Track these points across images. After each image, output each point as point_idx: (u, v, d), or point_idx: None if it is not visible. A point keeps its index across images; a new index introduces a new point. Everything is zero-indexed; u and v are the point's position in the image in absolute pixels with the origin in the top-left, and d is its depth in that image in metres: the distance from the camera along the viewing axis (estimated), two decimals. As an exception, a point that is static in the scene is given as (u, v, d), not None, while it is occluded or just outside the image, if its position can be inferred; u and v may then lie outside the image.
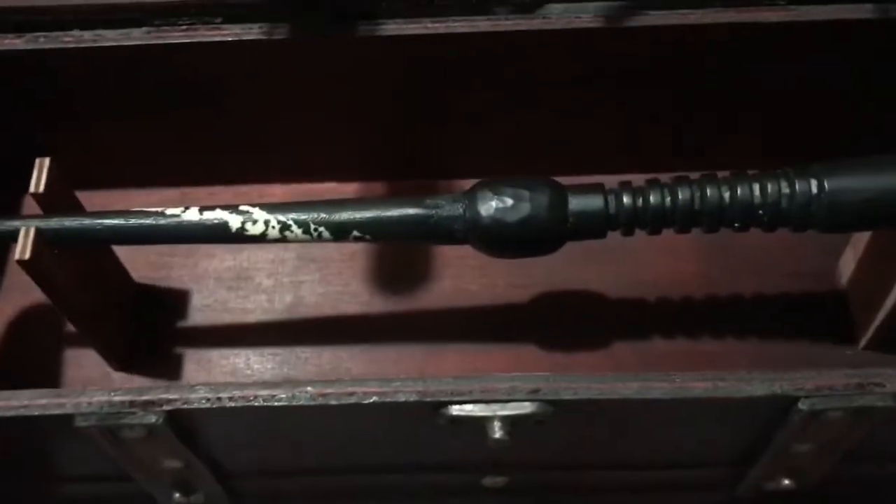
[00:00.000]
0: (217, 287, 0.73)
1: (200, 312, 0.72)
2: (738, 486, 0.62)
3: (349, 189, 0.75)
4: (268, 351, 0.70)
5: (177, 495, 0.60)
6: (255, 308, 0.72)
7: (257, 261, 0.73)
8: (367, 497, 0.65)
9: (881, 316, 0.64)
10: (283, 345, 0.70)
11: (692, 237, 0.62)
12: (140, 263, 0.72)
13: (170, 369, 0.69)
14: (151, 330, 0.71)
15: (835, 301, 0.69)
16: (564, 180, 0.60)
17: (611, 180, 0.60)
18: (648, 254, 0.70)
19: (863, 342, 0.67)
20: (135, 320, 0.71)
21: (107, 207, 0.65)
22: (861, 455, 0.58)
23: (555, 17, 0.64)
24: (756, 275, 0.70)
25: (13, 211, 0.74)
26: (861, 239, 0.67)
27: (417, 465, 0.60)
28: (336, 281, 0.72)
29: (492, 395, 0.51)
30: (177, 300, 0.72)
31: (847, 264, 0.69)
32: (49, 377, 0.69)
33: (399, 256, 0.73)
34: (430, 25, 0.63)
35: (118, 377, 0.68)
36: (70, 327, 0.65)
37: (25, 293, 0.68)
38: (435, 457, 0.59)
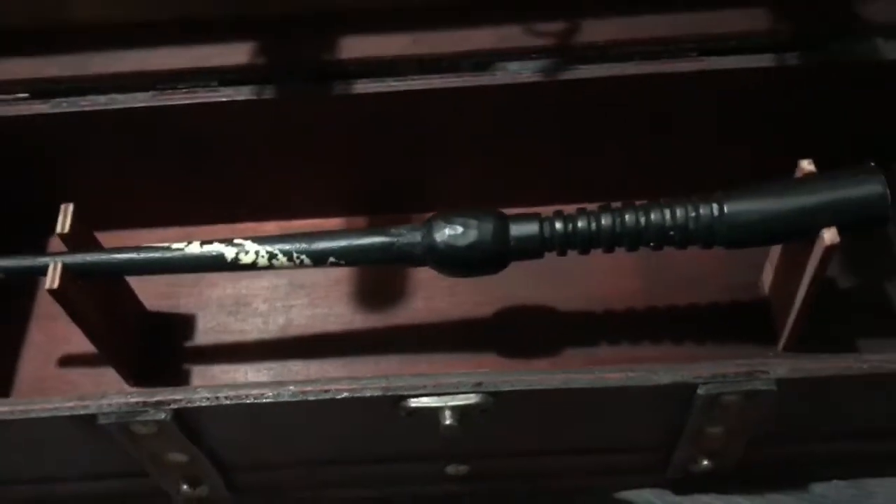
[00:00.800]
0: (219, 312, 0.78)
1: (205, 334, 0.77)
2: (668, 468, 0.68)
3: (332, 223, 0.81)
4: (263, 366, 0.75)
5: (185, 487, 0.66)
6: (252, 329, 0.77)
7: (254, 288, 0.79)
8: (349, 485, 0.69)
9: (791, 319, 0.69)
10: (277, 360, 0.75)
11: (635, 257, 0.68)
12: (151, 293, 0.77)
13: (178, 383, 0.74)
14: (162, 350, 0.76)
15: (759, 309, 0.75)
16: (517, 210, 0.67)
17: (555, 208, 0.67)
18: (596, 272, 0.76)
19: (781, 343, 0.72)
20: (147, 342, 0.76)
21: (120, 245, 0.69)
22: (769, 438, 0.64)
23: (502, 74, 0.71)
24: (691, 288, 0.76)
25: (38, 244, 0.79)
26: (776, 252, 0.72)
27: (388, 455, 0.66)
28: (323, 304, 0.78)
29: (442, 389, 0.57)
30: (184, 324, 0.77)
31: (767, 275, 0.74)
32: (73, 390, 0.73)
33: (377, 281, 0.78)
34: (392, 84, 0.71)
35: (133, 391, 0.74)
36: (91, 348, 0.70)
37: (53, 319, 0.74)
38: (402, 448, 0.65)
